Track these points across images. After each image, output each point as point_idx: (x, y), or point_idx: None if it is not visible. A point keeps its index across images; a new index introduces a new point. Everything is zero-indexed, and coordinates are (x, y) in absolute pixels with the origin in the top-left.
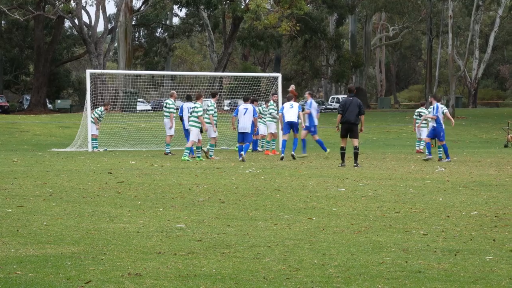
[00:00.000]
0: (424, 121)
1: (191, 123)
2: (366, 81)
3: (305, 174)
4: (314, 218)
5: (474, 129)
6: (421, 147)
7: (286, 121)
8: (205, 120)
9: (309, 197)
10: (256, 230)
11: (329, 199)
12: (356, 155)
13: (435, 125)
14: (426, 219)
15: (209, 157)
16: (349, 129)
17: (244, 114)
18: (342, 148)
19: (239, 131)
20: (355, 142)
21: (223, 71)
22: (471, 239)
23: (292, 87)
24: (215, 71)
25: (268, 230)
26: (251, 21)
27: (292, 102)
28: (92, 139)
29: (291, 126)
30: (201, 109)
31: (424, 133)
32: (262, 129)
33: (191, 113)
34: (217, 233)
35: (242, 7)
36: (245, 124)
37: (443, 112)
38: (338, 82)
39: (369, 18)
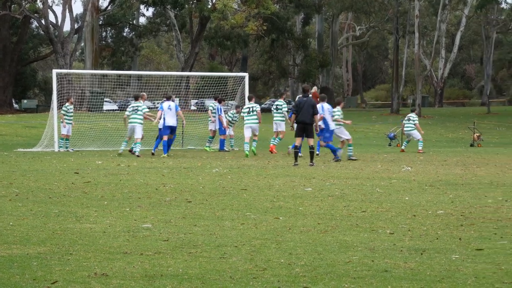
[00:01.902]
0: (412, 124)
1: (252, 121)
2: (333, 81)
3: (272, 174)
4: (281, 218)
5: (440, 128)
6: (419, 148)
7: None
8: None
9: (276, 196)
10: (223, 230)
11: (296, 199)
12: (311, 154)
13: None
14: (392, 218)
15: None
16: (304, 129)
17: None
18: (296, 147)
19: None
20: (311, 141)
21: (190, 71)
22: (437, 238)
23: (315, 88)
24: (182, 71)
25: (235, 229)
26: (218, 21)
27: (323, 104)
28: (66, 139)
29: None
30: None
31: (415, 135)
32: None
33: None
34: (184, 233)
35: (209, 6)
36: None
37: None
38: (305, 81)
39: (335, 17)
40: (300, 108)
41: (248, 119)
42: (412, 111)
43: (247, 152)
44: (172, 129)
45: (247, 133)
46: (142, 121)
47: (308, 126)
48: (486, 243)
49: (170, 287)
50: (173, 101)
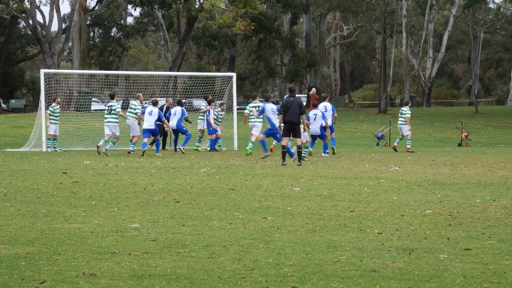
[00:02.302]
0: (403, 118)
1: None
2: (321, 80)
3: (260, 174)
4: (269, 218)
5: (428, 128)
6: (408, 146)
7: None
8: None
9: (264, 196)
10: (211, 230)
11: (284, 198)
12: (299, 154)
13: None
14: (380, 218)
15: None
16: (291, 129)
17: (314, 120)
18: (283, 147)
19: (311, 134)
20: (298, 141)
21: (177, 71)
22: (425, 238)
23: (313, 90)
24: (169, 71)
25: (223, 229)
26: (206, 21)
27: (325, 103)
28: (53, 139)
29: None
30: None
31: (404, 130)
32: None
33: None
34: (172, 232)
35: (197, 6)
36: (316, 128)
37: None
38: (293, 81)
39: (323, 17)
40: (288, 108)
41: (253, 118)
42: (405, 104)
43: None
44: (151, 132)
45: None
46: (117, 120)
47: (296, 126)
48: (474, 243)
49: (158, 287)
50: (181, 105)
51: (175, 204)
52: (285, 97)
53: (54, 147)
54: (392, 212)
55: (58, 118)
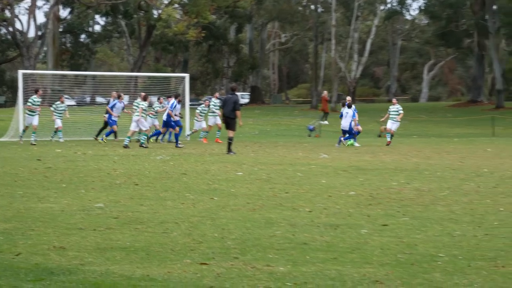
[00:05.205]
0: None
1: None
2: (261, 80)
3: (209, 160)
4: (215, 198)
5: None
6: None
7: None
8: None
9: (211, 180)
10: (165, 209)
11: (229, 182)
12: (229, 144)
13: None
14: (311, 198)
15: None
16: (226, 122)
17: (345, 117)
18: (229, 138)
19: (342, 128)
20: (230, 133)
21: (138, 72)
22: (349, 215)
23: (325, 92)
24: (131, 72)
25: (176, 208)
26: (163, 29)
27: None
28: (59, 131)
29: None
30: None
31: (391, 125)
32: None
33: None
34: (132, 211)
35: (155, 16)
36: (345, 123)
37: None
38: (237, 81)
39: (264, 26)
40: (224, 104)
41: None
42: (393, 103)
43: None
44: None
45: None
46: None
47: (229, 120)
48: (390, 220)
49: (119, 258)
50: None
51: (134, 186)
52: (226, 95)
53: (60, 137)
54: (321, 194)
55: (61, 113)
